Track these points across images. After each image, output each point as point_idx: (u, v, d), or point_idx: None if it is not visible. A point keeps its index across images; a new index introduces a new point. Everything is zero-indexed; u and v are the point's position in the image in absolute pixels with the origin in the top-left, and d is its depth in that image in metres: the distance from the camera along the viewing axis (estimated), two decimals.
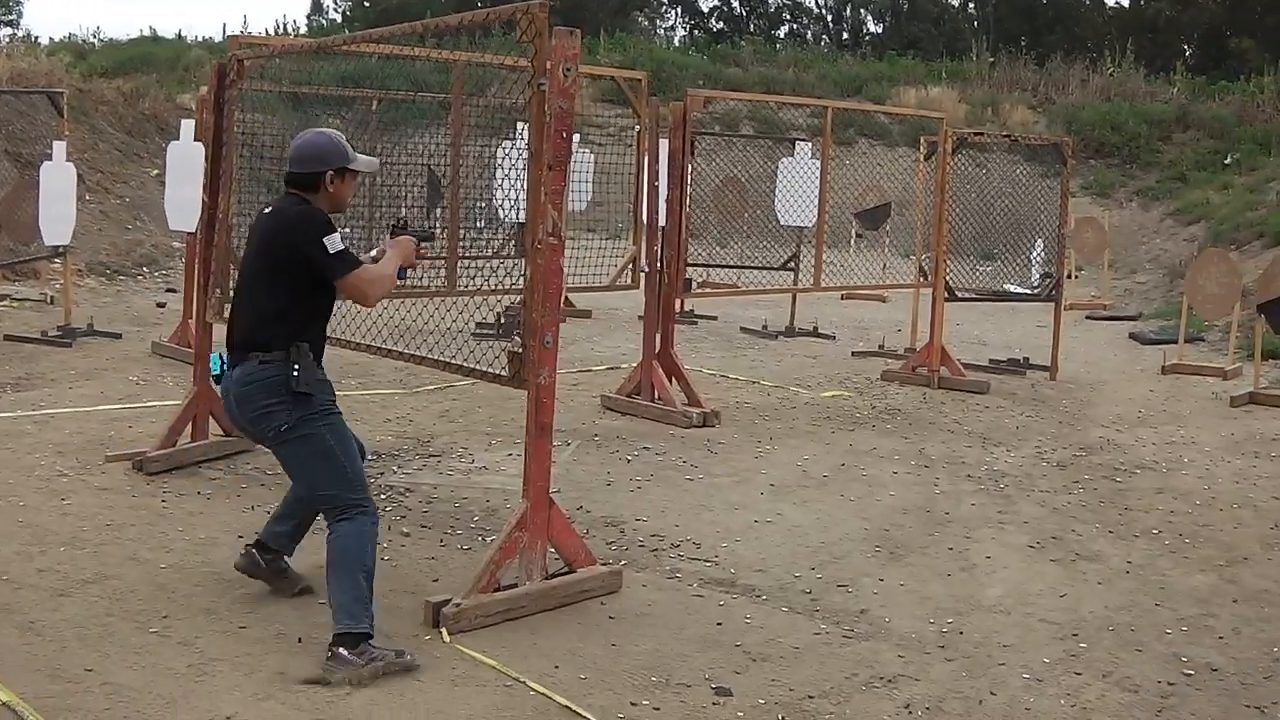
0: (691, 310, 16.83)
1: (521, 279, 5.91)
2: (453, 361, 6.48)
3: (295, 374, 5.46)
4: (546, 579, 6.02)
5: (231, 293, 8.18)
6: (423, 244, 6.07)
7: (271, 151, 11.46)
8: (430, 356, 6.70)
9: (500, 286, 8.82)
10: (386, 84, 14.58)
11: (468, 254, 12.92)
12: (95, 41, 36.19)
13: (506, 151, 13.23)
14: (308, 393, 5.50)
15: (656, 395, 10.47)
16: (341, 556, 5.45)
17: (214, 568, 6.46)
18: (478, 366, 6.32)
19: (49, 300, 15.63)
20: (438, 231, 6.46)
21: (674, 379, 10.56)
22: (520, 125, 13.31)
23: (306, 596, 6.02)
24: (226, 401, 5.78)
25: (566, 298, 16.49)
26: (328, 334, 5.87)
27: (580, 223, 16.25)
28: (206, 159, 8.35)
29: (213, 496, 7.79)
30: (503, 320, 14.90)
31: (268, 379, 5.50)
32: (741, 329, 16.18)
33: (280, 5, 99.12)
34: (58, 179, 13.17)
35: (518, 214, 13.40)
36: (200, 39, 34.44)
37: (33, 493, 7.74)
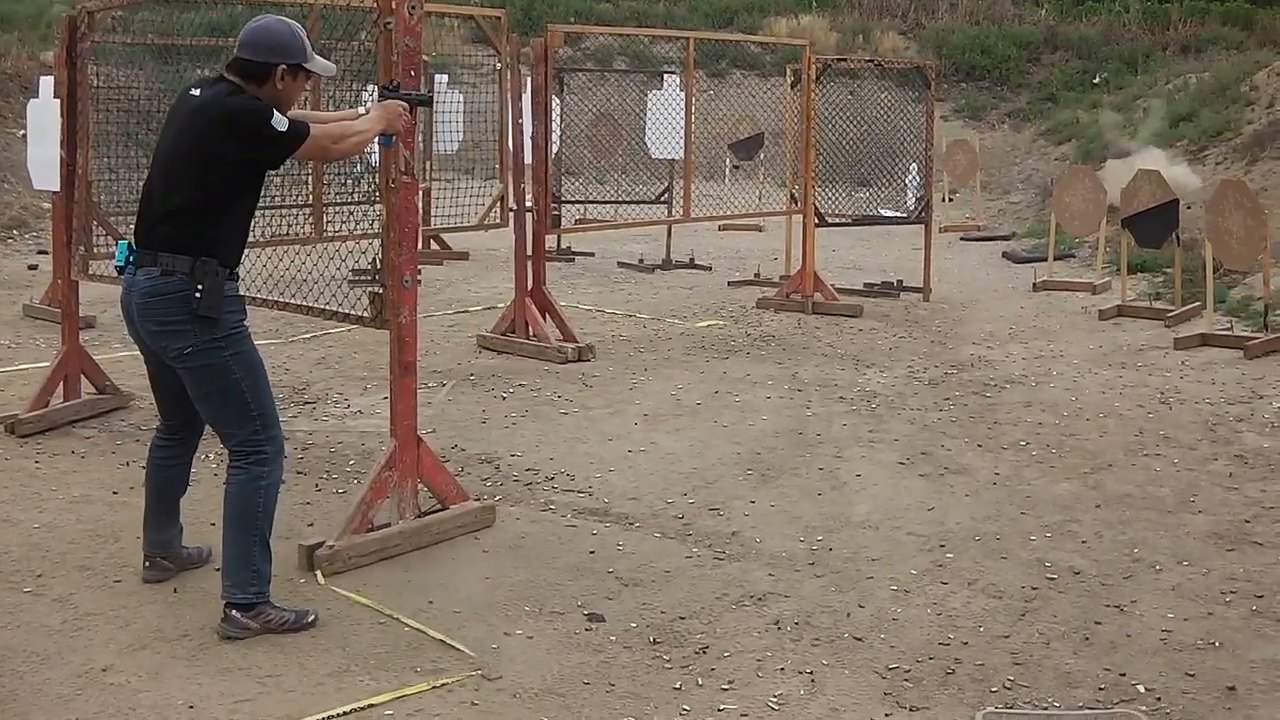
0: (569, 248, 16.88)
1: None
2: (315, 305, 6.48)
3: (198, 295, 4.98)
4: (419, 517, 6.07)
5: (86, 248, 8.16)
6: (419, 108, 5.82)
7: (140, 106, 11.33)
8: (293, 302, 6.68)
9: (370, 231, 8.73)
10: None
11: (336, 200, 12.85)
12: None
13: (372, 95, 13.14)
14: (212, 316, 5.03)
15: (531, 332, 10.51)
16: (232, 513, 5.23)
17: (88, 525, 6.42)
18: (339, 309, 6.31)
19: None
20: (434, 96, 5.90)
21: (548, 315, 10.61)
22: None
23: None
24: (127, 302, 5.23)
25: (442, 240, 16.47)
26: None
27: (453, 164, 16.21)
28: (62, 115, 8.22)
29: (87, 455, 7.73)
30: (378, 266, 14.82)
31: (170, 294, 5.02)
32: (619, 264, 16.25)
33: None
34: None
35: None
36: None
37: None
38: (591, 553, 6.10)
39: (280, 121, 4.98)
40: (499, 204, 10.74)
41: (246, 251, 5.32)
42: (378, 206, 5.99)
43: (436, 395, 9.08)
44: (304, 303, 6.64)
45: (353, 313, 6.19)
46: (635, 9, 31.32)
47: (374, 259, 14.50)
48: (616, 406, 8.85)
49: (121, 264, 5.23)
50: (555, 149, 12.04)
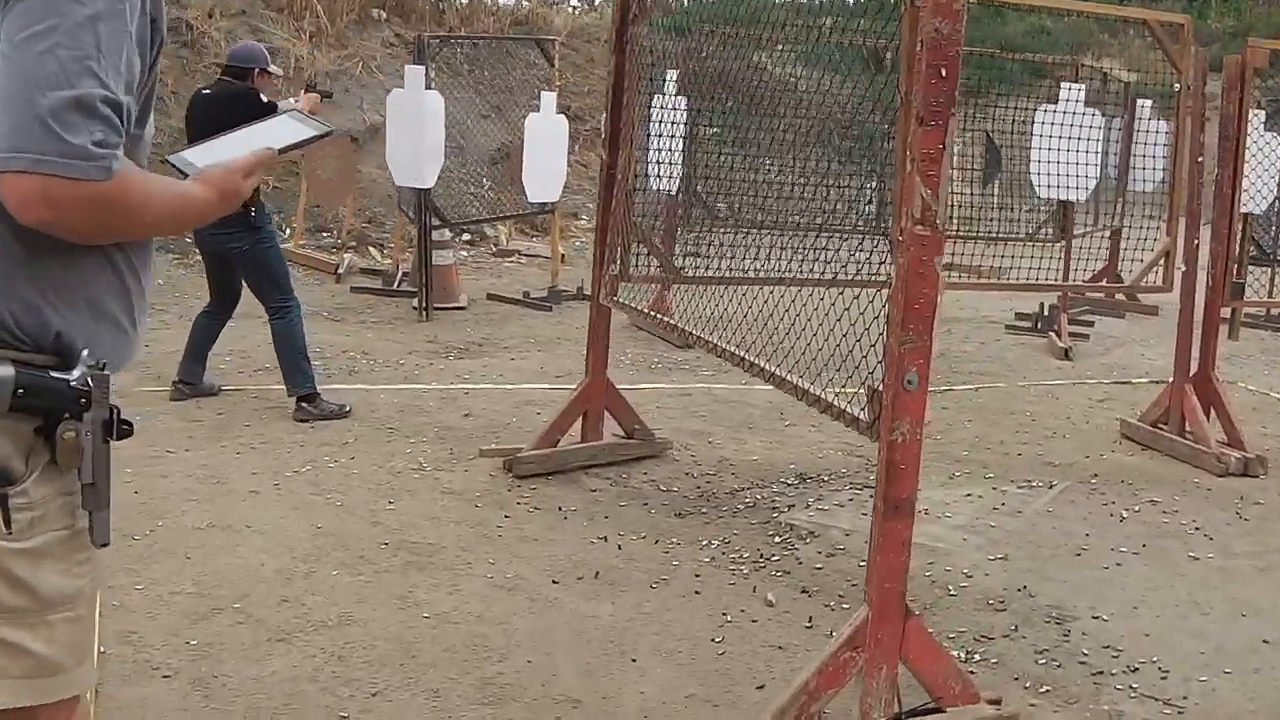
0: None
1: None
2: (810, 390, 4.69)
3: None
4: None
5: (619, 267, 6.80)
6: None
7: (843, 115, 9.89)
8: (789, 379, 4.92)
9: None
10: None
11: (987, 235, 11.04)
12: None
13: (1047, 115, 11.18)
14: None
15: (1186, 428, 8.20)
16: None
17: (482, 629, 4.95)
18: (835, 402, 4.48)
19: (561, 259, 14.74)
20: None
21: (1212, 409, 8.24)
22: (1067, 86, 11.27)
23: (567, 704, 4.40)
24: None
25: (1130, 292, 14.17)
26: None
27: (1154, 202, 13.92)
28: (606, 108, 6.86)
29: (574, 514, 6.36)
30: (1044, 313, 12.80)
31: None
32: None
33: None
34: (546, 132, 12.16)
35: (1056, 190, 11.40)
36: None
37: (365, 489, 6.57)
38: None
39: None
40: (1164, 261, 8.47)
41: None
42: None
43: (1035, 501, 7.04)
44: (799, 382, 4.85)
45: (847, 409, 4.35)
46: None
47: (1044, 305, 12.54)
48: (1271, 560, 6.34)
49: None
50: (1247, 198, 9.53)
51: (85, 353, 2.21)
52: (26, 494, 2.19)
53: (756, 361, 5.23)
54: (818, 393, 4.63)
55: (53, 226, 2.11)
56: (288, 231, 14.69)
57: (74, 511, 2.27)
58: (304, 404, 7.94)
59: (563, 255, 14.77)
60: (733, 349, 5.49)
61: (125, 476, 6.52)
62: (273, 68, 8.41)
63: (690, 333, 6.12)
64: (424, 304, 11.54)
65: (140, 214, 2.21)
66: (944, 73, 3.67)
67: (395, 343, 10.46)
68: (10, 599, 2.21)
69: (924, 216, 3.74)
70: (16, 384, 2.13)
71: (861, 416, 4.19)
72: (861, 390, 4.20)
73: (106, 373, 2.23)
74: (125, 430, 2.31)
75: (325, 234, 15.33)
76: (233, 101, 7.71)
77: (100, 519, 2.28)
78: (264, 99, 7.82)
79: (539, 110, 12.32)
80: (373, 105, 16.39)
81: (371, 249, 15.10)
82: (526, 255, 15.71)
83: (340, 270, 13.58)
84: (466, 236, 16.26)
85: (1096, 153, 11.22)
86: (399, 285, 12.80)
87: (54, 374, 2.18)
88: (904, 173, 3.76)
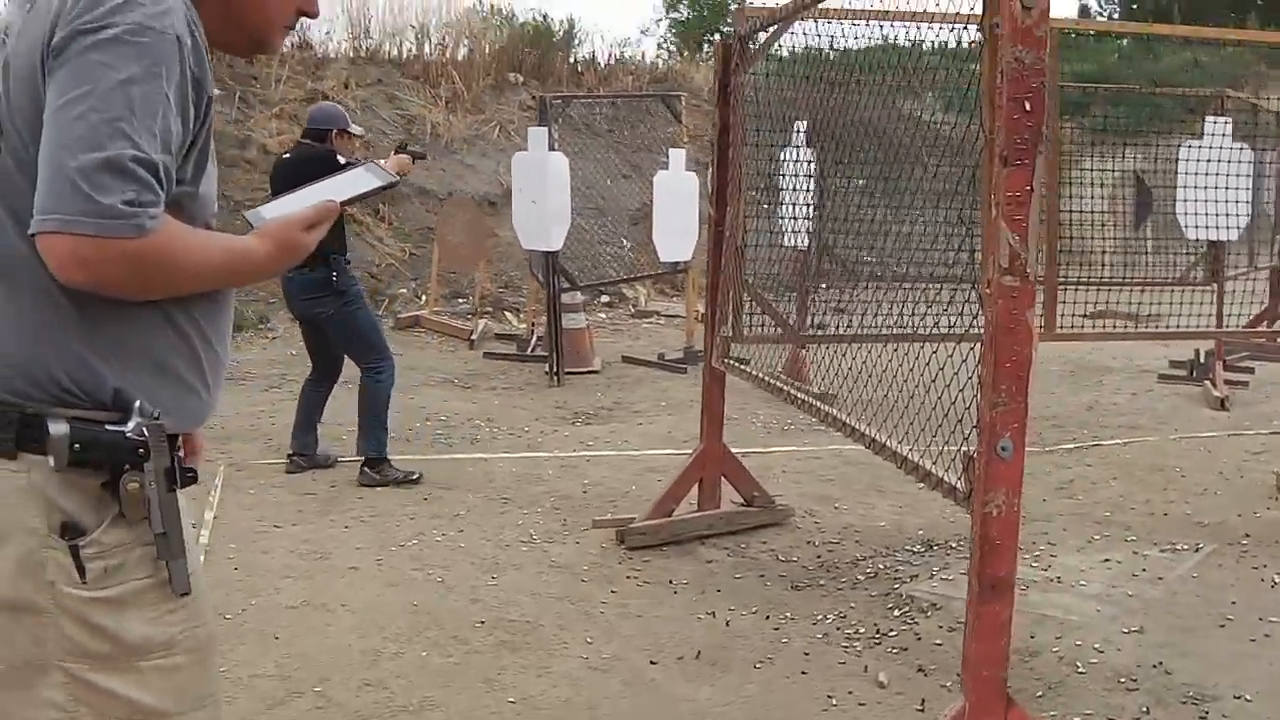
0: None
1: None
2: (900, 451, 4.36)
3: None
4: None
5: (730, 327, 6.53)
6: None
7: (956, 160, 9.58)
8: (889, 445, 4.59)
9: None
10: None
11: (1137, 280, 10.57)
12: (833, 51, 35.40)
13: (1191, 151, 10.70)
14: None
15: None
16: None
17: (567, 714, 4.67)
18: (932, 469, 4.14)
19: (698, 318, 14.46)
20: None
21: None
22: (1212, 120, 10.78)
23: None
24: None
25: None
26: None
27: None
28: (711, 162, 6.61)
29: (682, 589, 6.07)
30: (1200, 360, 12.24)
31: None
32: None
33: None
34: (675, 190, 11.92)
35: (1205, 230, 10.90)
36: (936, 43, 32.68)
37: (469, 564, 6.37)
38: None
39: None
40: None
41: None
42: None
43: (1179, 566, 6.57)
44: (897, 446, 4.52)
45: (945, 477, 4.00)
46: None
47: (1198, 350, 11.97)
48: None
49: None
50: None
51: (138, 404, 2.23)
52: (98, 543, 2.22)
53: (857, 426, 4.89)
54: (916, 459, 4.29)
55: (94, 286, 2.15)
56: (423, 299, 14.66)
57: (157, 561, 2.28)
58: (367, 469, 7.92)
59: (699, 314, 14.49)
60: (834, 412, 5.17)
61: (228, 552, 6.44)
62: (353, 128, 8.32)
63: (792, 393, 5.82)
64: (554, 369, 11.37)
65: (186, 269, 2.24)
66: (1028, 106, 3.35)
67: (522, 409, 10.29)
68: (92, 645, 2.23)
69: (1012, 265, 3.41)
70: (72, 439, 2.17)
71: (959, 485, 3.84)
72: (958, 457, 3.87)
73: (161, 422, 2.23)
74: (190, 478, 2.33)
75: (461, 300, 15.26)
76: (307, 165, 7.45)
77: (178, 567, 2.29)
78: (341, 160, 7.46)
79: (666, 169, 12.12)
80: (509, 169, 16.33)
81: (507, 314, 15.00)
82: (665, 316, 15.50)
83: (474, 336, 13.47)
84: (606, 298, 16.11)
85: (1247, 189, 10.70)
86: (533, 350, 12.64)
87: (109, 427, 2.20)
88: (989, 218, 3.44)
